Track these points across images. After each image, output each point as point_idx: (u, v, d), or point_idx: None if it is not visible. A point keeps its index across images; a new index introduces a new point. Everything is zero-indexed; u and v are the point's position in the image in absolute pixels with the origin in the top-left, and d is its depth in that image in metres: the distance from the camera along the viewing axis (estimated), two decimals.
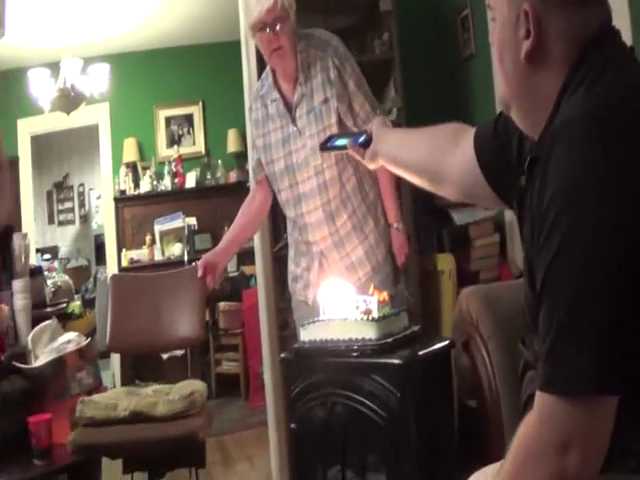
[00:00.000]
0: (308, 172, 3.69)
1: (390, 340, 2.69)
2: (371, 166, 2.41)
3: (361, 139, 2.38)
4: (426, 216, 4.74)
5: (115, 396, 3.94)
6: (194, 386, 3.93)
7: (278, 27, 3.57)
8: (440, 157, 2.12)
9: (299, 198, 3.79)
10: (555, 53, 1.50)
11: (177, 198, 9.03)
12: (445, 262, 4.66)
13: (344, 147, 2.44)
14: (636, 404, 1.35)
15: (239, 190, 8.45)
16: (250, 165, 4.11)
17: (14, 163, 5.74)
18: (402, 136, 2.37)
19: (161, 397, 3.81)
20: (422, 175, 2.20)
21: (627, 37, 3.03)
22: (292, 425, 2.98)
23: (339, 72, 3.70)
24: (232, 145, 9.17)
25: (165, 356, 7.27)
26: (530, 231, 1.49)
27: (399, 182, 3.88)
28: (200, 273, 4.01)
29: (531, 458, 1.35)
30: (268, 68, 3.88)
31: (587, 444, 1.29)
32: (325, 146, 2.58)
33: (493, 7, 1.63)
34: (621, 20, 3.08)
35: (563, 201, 1.33)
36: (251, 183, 4.24)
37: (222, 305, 7.99)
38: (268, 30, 3.58)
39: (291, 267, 4.03)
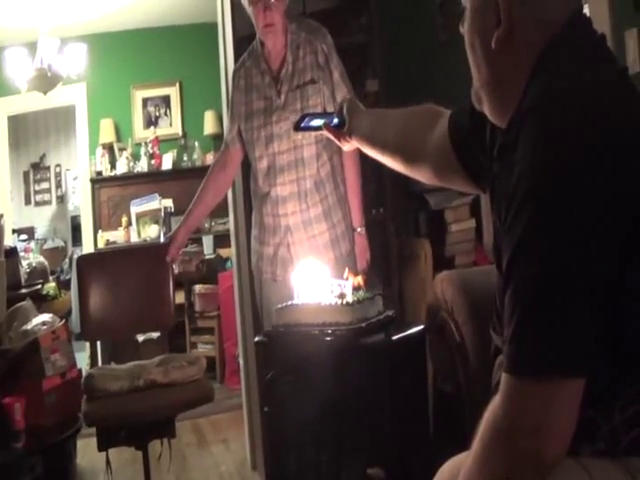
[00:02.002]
0: (288, 145, 3.75)
1: (364, 325, 2.69)
2: (345, 147, 2.42)
3: (335, 120, 2.38)
4: (403, 200, 4.74)
5: (122, 369, 4.06)
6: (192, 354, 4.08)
7: (270, 5, 3.69)
8: (415, 138, 2.12)
9: (275, 169, 3.86)
10: (525, 40, 1.51)
11: (154, 180, 9.00)
12: (421, 246, 4.66)
13: (319, 128, 2.45)
14: (604, 386, 1.35)
15: None
16: (225, 133, 4.11)
17: None
18: (377, 117, 2.37)
19: (169, 364, 3.92)
20: (396, 156, 2.19)
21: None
22: (265, 408, 2.99)
23: (327, 60, 3.82)
24: (209, 127, 9.14)
25: (141, 338, 7.26)
26: (498, 215, 1.49)
27: (381, 167, 3.90)
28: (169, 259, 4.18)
29: (497, 439, 1.34)
30: (257, 41, 3.96)
31: (553, 426, 1.29)
32: (299, 126, 2.57)
33: None
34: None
35: (527, 186, 1.33)
36: (220, 152, 4.23)
37: (198, 287, 7.97)
38: (263, 5, 3.69)
39: (255, 246, 4.07)
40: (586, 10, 3.05)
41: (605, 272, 1.29)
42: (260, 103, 3.91)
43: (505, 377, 1.34)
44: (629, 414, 1.35)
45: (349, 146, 2.38)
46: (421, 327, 2.80)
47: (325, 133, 2.43)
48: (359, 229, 3.96)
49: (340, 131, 2.36)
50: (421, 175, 2.15)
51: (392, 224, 4.65)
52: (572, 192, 1.29)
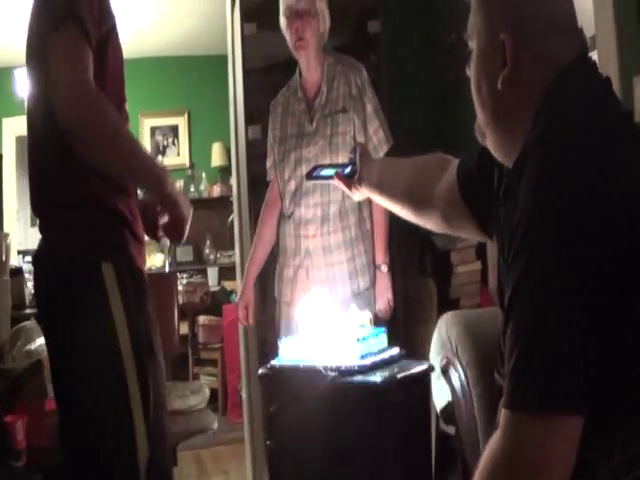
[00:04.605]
0: None
1: (369, 362, 2.70)
2: (356, 197, 2.44)
3: (347, 170, 2.40)
4: (409, 240, 4.74)
5: None
6: (195, 384, 4.04)
7: (304, 18, 3.84)
8: (424, 187, 2.14)
9: (301, 191, 3.93)
10: (530, 81, 1.54)
11: None
12: (426, 287, 4.66)
13: (330, 177, 2.46)
14: (604, 425, 1.35)
15: (222, 204, 8.47)
16: (267, 163, 4.17)
17: None
18: (387, 166, 2.39)
19: (171, 392, 3.89)
20: (406, 204, 2.22)
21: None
22: (268, 442, 2.99)
23: (359, 92, 3.92)
24: (216, 159, 9.18)
25: None
26: (501, 255, 1.51)
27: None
28: (244, 322, 4.23)
29: (496, 474, 1.34)
30: (296, 73, 4.09)
31: (552, 462, 1.29)
32: (311, 175, 2.60)
33: (471, 37, 1.66)
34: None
35: (526, 227, 1.36)
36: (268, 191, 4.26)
37: (202, 319, 7.95)
38: (295, 18, 3.86)
39: (278, 269, 4.11)
40: (595, 55, 3.08)
41: (602, 310, 1.31)
42: (294, 128, 4.00)
43: (504, 412, 1.34)
44: (630, 455, 1.35)
45: (359, 195, 2.40)
46: (425, 366, 2.80)
47: (336, 182, 2.45)
48: (382, 266, 3.97)
49: (351, 180, 2.38)
50: (430, 223, 2.17)
51: (398, 264, 4.65)
52: (568, 236, 1.31)
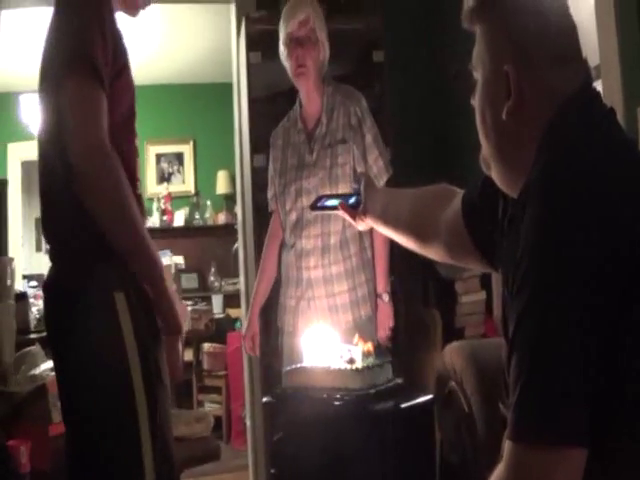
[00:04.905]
0: None
1: (373, 391, 2.70)
2: (360, 227, 2.44)
3: (352, 200, 2.39)
4: (413, 269, 4.74)
5: None
6: (200, 412, 4.04)
7: (305, 45, 3.85)
8: (428, 217, 2.14)
9: (302, 222, 3.92)
10: (534, 111, 1.53)
11: (165, 235, 8.98)
12: (431, 316, 4.65)
13: (335, 207, 2.45)
14: (607, 456, 1.34)
15: (227, 232, 8.49)
16: (268, 195, 4.17)
17: (3, 186, 5.76)
18: (391, 196, 2.39)
19: (176, 420, 3.90)
20: (410, 235, 2.22)
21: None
22: (272, 470, 2.99)
23: (359, 122, 3.92)
24: (221, 186, 9.18)
25: None
26: (505, 286, 1.51)
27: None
28: (251, 352, 4.23)
29: None
30: (297, 104, 4.09)
31: None
32: (316, 206, 2.59)
33: (475, 67, 1.66)
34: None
35: (530, 259, 1.36)
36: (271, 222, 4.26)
37: (206, 346, 7.94)
38: (295, 46, 3.86)
39: (280, 299, 4.10)
40: (599, 85, 3.09)
41: (606, 345, 1.31)
42: (294, 160, 3.99)
43: (508, 444, 1.33)
44: None
45: (364, 225, 2.40)
46: (430, 396, 2.80)
47: (340, 213, 2.44)
48: (383, 295, 3.95)
49: (355, 211, 2.38)
50: (434, 254, 2.17)
51: (402, 293, 4.65)
52: (571, 271, 1.31)
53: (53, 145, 2.32)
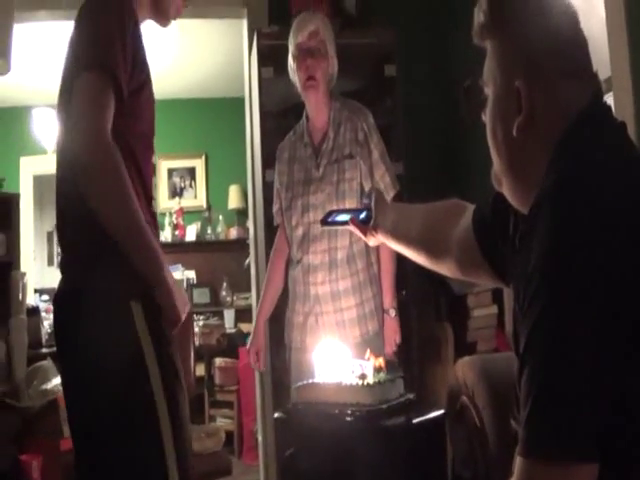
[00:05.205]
0: (322, 215, 3.77)
1: (384, 407, 2.69)
2: (371, 242, 2.43)
3: (362, 215, 2.39)
4: (425, 284, 4.73)
5: None
6: (211, 427, 4.04)
7: (316, 56, 3.85)
8: (439, 233, 2.14)
9: (309, 237, 3.92)
10: (545, 126, 1.54)
11: (177, 250, 9.01)
12: (443, 331, 4.65)
13: (345, 223, 2.45)
14: (619, 471, 1.34)
15: (239, 247, 8.50)
16: (274, 209, 4.17)
17: (15, 200, 5.79)
18: (402, 212, 2.39)
19: None
20: (421, 251, 2.22)
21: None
22: None
23: (366, 137, 3.92)
24: (233, 201, 9.20)
25: None
26: (517, 302, 1.50)
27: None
28: (255, 366, 4.23)
29: None
30: (303, 118, 4.09)
31: None
32: (326, 221, 2.58)
33: (486, 83, 1.67)
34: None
35: (541, 276, 1.35)
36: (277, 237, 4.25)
37: (218, 361, 7.94)
38: (304, 55, 3.86)
39: (288, 314, 4.10)
40: (610, 97, 3.09)
41: (615, 360, 1.30)
42: (300, 174, 3.99)
43: (519, 460, 1.33)
44: None
45: (374, 241, 2.39)
46: (441, 411, 2.79)
47: (351, 228, 2.44)
48: (390, 310, 3.96)
49: (366, 226, 2.37)
50: (445, 269, 2.17)
51: (414, 308, 4.64)
52: (581, 289, 1.31)
53: (67, 152, 2.33)
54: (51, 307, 6.80)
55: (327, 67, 3.91)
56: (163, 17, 2.64)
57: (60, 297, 2.44)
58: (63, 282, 2.44)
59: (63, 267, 2.44)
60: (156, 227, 2.48)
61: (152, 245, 2.29)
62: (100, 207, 2.21)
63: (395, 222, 2.31)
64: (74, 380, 2.42)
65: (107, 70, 2.23)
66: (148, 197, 2.41)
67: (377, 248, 3.85)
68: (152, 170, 2.56)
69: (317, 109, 3.98)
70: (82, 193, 2.21)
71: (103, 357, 2.22)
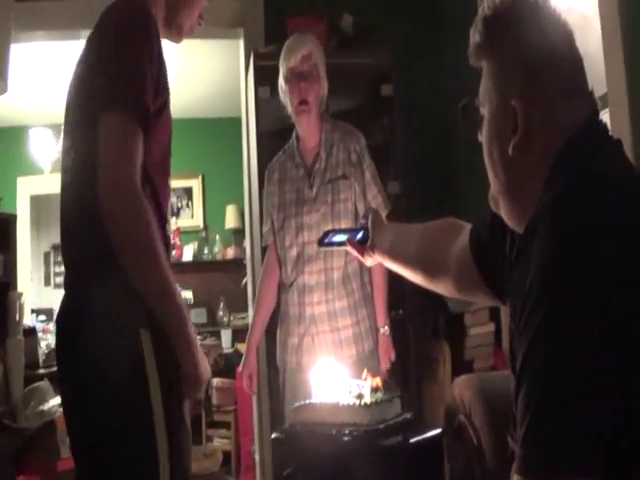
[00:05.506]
0: (317, 235, 3.76)
1: (382, 426, 2.68)
2: (368, 262, 2.44)
3: (359, 236, 2.39)
4: (422, 302, 4.74)
5: None
6: (209, 447, 4.03)
7: (308, 80, 3.86)
8: (436, 252, 2.15)
9: (304, 258, 3.92)
10: (541, 145, 1.54)
11: (174, 270, 8.70)
12: (440, 349, 4.64)
13: (342, 243, 2.46)
14: (619, 473, 1.33)
15: (236, 267, 8.49)
16: (263, 229, 4.19)
17: (12, 221, 5.79)
18: (399, 232, 2.39)
19: None
20: (418, 270, 2.22)
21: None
22: None
23: (359, 159, 3.95)
24: (230, 221, 9.21)
25: None
26: (513, 319, 1.50)
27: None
28: (248, 391, 4.26)
29: None
30: (293, 138, 4.09)
31: None
32: (323, 242, 2.58)
33: (482, 102, 1.67)
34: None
35: (538, 293, 1.35)
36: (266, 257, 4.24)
37: (216, 381, 7.91)
38: (297, 79, 3.86)
39: (280, 337, 4.10)
40: (606, 114, 3.10)
41: (614, 377, 1.30)
42: (293, 194, 4.00)
43: (516, 478, 1.33)
44: None
45: (372, 261, 2.40)
46: (439, 430, 2.79)
47: (348, 249, 2.44)
48: (383, 329, 3.98)
49: (363, 247, 2.38)
50: (442, 288, 2.17)
51: (411, 326, 4.64)
52: (578, 306, 1.31)
53: (85, 176, 2.24)
54: (48, 327, 6.74)
55: (319, 90, 3.93)
56: (177, 33, 2.60)
57: (64, 315, 2.36)
58: (67, 299, 2.36)
59: (67, 284, 2.38)
60: (168, 250, 2.44)
61: (177, 303, 2.22)
62: (128, 260, 2.14)
63: (392, 242, 2.32)
64: (76, 401, 2.38)
65: (139, 109, 2.17)
66: (162, 220, 2.34)
67: (369, 268, 3.86)
68: (169, 193, 2.50)
69: (309, 131, 4.00)
70: (112, 242, 2.13)
71: (106, 378, 2.19)
